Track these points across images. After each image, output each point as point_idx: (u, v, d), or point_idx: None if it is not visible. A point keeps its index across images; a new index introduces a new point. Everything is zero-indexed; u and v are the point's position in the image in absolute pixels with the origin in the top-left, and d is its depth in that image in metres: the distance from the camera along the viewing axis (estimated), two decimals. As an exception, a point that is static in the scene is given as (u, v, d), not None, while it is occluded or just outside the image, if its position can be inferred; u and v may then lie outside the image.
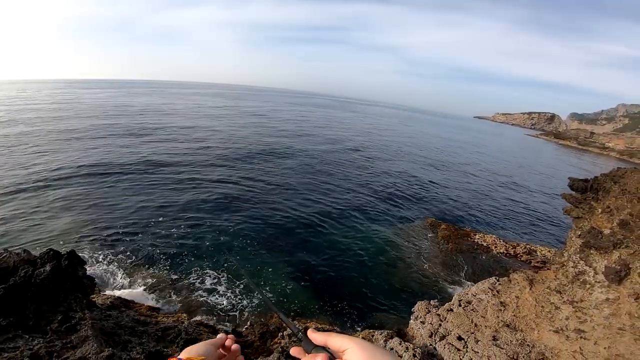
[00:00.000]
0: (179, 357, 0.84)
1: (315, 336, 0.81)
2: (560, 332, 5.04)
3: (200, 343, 0.98)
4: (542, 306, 5.74)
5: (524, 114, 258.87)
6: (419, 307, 7.91)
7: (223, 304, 9.31)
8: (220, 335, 1.05)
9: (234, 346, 1.02)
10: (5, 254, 5.77)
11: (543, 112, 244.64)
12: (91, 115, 39.41)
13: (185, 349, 0.91)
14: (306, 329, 0.85)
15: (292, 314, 9.33)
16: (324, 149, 33.35)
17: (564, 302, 5.44)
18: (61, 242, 11.12)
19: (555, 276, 6.98)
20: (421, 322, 7.16)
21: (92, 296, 7.12)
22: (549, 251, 14.96)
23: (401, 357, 5.77)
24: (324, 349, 0.77)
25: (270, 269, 11.42)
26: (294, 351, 0.83)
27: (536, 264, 13.48)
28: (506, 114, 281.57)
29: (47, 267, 5.56)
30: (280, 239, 13.70)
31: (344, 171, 25.67)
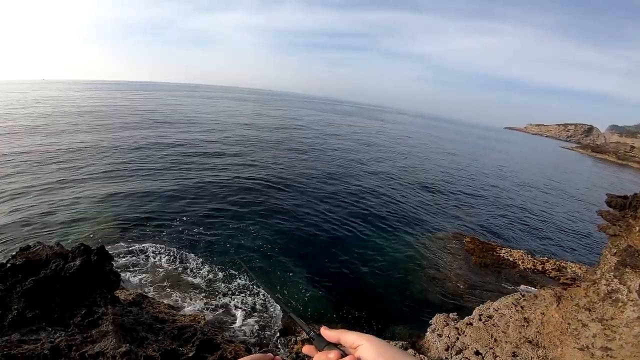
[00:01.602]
0: None
1: (327, 333, 0.81)
2: (586, 349, 4.70)
3: (252, 356, 0.91)
4: (569, 323, 5.38)
5: (559, 125, 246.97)
6: (437, 319, 7.65)
7: (241, 306, 9.41)
8: (268, 354, 0.96)
9: None
10: (38, 247, 6.12)
11: (580, 124, 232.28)
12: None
13: None
14: (319, 327, 0.85)
15: (309, 320, 9.29)
16: (350, 157, 33.34)
17: (592, 319, 5.08)
18: (91, 236, 11.73)
19: (586, 293, 6.56)
20: (438, 334, 6.90)
21: (116, 292, 7.38)
22: (580, 268, 14.03)
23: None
24: (336, 346, 0.77)
25: (289, 274, 11.50)
26: (306, 349, 0.84)
27: (565, 281, 12.67)
28: (540, 125, 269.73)
29: (77, 262, 5.80)
30: (300, 244, 13.79)
31: (367, 180, 25.48)
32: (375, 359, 0.70)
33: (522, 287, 12.22)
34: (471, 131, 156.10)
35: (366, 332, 0.76)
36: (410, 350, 6.24)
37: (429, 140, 68.90)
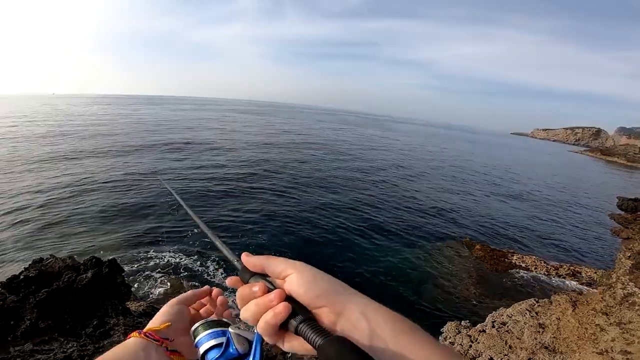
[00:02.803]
0: (140, 331, 0.72)
1: (250, 260, 0.67)
2: (605, 353, 4.57)
3: (169, 302, 0.82)
4: (586, 328, 5.24)
5: (566, 129, 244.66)
6: (449, 327, 7.51)
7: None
8: (203, 288, 0.89)
9: (220, 298, 0.87)
10: (51, 260, 6.22)
11: (588, 127, 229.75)
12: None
13: (152, 319, 0.77)
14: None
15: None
16: (356, 166, 33.41)
17: (610, 323, 4.95)
18: (101, 252, 11.83)
19: (602, 298, 6.40)
20: (450, 342, 6.77)
21: (127, 303, 7.43)
22: (595, 273, 13.67)
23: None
24: (263, 277, 0.66)
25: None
26: (230, 281, 0.71)
27: (580, 286, 12.35)
28: (547, 129, 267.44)
29: (89, 274, 5.90)
30: (306, 248, 13.85)
31: (375, 186, 25.46)
32: (306, 293, 0.58)
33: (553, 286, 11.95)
34: (480, 138, 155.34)
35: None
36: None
37: (439, 149, 68.74)
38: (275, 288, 0.62)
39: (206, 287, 0.90)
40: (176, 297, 0.84)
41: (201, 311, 0.86)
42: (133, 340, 0.71)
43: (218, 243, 0.81)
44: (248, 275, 0.67)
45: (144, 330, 0.73)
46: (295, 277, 0.60)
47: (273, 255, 0.68)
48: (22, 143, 30.69)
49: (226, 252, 0.77)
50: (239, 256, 0.71)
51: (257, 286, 0.62)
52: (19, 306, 4.85)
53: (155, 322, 0.76)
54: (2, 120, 48.72)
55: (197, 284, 10.53)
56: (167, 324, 0.75)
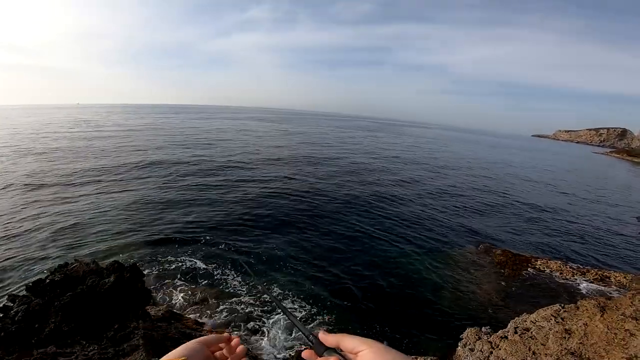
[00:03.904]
0: None
1: (326, 338, 0.76)
2: (635, 358, 4.31)
3: (190, 341, 0.89)
4: (615, 333, 4.97)
5: (590, 130, 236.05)
6: (469, 333, 7.27)
7: (268, 322, 9.36)
8: (224, 334, 0.97)
9: (241, 347, 0.93)
10: (76, 264, 6.42)
11: (613, 128, 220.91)
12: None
13: (170, 352, 0.83)
14: (317, 331, 0.81)
15: (332, 328, 9.07)
16: (378, 166, 33.26)
17: (640, 329, 4.68)
18: (120, 255, 12.17)
19: (632, 302, 6.08)
20: (470, 349, 6.55)
21: (147, 307, 7.57)
22: (625, 277, 12.98)
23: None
24: (336, 351, 0.73)
25: (313, 281, 11.50)
26: (305, 354, 0.79)
27: (609, 291, 11.74)
28: (570, 131, 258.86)
29: (112, 278, 6.06)
30: (323, 251, 13.91)
31: (394, 190, 25.23)
32: None
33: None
34: (500, 142, 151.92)
35: (392, 346, 0.72)
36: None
37: (461, 153, 67.70)
38: None
39: (227, 334, 0.97)
40: (199, 338, 0.91)
41: (216, 353, 0.91)
42: None
43: (292, 319, 0.89)
44: (322, 349, 0.75)
45: (162, 359, 0.77)
46: (370, 353, 0.68)
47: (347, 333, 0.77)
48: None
49: (301, 328, 0.84)
50: (310, 331, 0.81)
51: (331, 359, 0.71)
52: (44, 309, 5.01)
53: (174, 354, 0.81)
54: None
55: (217, 292, 10.66)
56: (184, 357, 0.79)
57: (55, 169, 25.08)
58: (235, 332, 8.83)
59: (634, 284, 6.16)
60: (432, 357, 6.57)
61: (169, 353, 0.82)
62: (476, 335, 7.08)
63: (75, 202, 17.71)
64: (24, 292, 5.36)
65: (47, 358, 4.42)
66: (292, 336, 8.79)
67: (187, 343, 0.87)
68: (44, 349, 4.55)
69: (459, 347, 7.04)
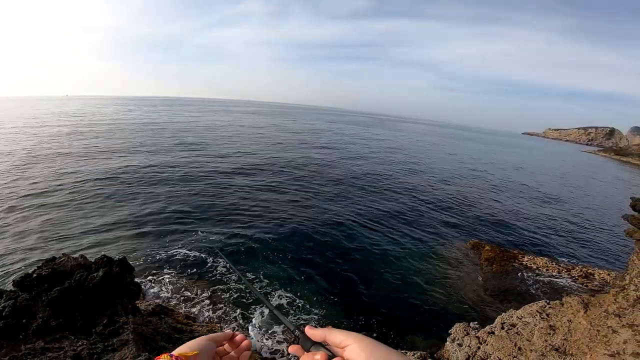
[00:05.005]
0: (170, 353, 0.78)
1: (313, 332, 0.76)
2: (617, 355, 4.45)
3: (200, 337, 0.92)
4: (598, 330, 5.12)
5: (579, 129, 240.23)
6: (457, 328, 7.41)
7: (258, 316, 9.38)
8: (227, 331, 1.00)
9: (245, 342, 0.97)
10: (64, 259, 6.32)
11: (601, 127, 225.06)
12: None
13: (182, 345, 0.85)
14: (304, 325, 0.81)
15: (320, 322, 9.15)
16: (361, 164, 33.38)
17: (622, 325, 4.82)
18: (111, 251, 12.02)
19: (615, 299, 6.25)
20: (458, 344, 6.68)
21: (136, 302, 7.51)
22: (609, 274, 13.37)
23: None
24: (322, 345, 0.73)
25: (301, 277, 11.52)
26: (292, 349, 0.79)
27: (593, 288, 12.08)
28: (559, 129, 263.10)
29: (100, 272, 5.97)
30: (308, 245, 13.95)
31: (381, 185, 25.38)
32: None
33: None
34: (487, 138, 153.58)
35: (381, 341, 0.71)
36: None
37: (447, 149, 68.23)
38: (335, 356, 0.69)
39: (230, 331, 1.01)
40: (209, 335, 0.95)
41: (220, 348, 0.96)
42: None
43: (277, 313, 0.91)
44: (309, 344, 0.75)
45: (175, 353, 0.79)
46: (357, 347, 0.67)
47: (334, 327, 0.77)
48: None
49: (286, 322, 0.85)
50: (296, 325, 0.81)
51: (319, 355, 0.69)
52: (31, 304, 4.94)
53: (188, 348, 0.83)
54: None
55: (206, 284, 10.64)
56: (196, 352, 0.81)
57: (41, 160, 24.58)
58: (225, 326, 8.85)
59: (617, 281, 6.33)
60: (421, 352, 6.68)
61: (181, 346, 0.84)
62: (464, 330, 7.22)
63: (61, 196, 17.40)
64: (11, 287, 5.27)
65: (35, 353, 4.36)
66: (281, 328, 8.86)
67: (198, 339, 0.90)
68: (32, 344, 4.49)
69: (448, 342, 7.18)
